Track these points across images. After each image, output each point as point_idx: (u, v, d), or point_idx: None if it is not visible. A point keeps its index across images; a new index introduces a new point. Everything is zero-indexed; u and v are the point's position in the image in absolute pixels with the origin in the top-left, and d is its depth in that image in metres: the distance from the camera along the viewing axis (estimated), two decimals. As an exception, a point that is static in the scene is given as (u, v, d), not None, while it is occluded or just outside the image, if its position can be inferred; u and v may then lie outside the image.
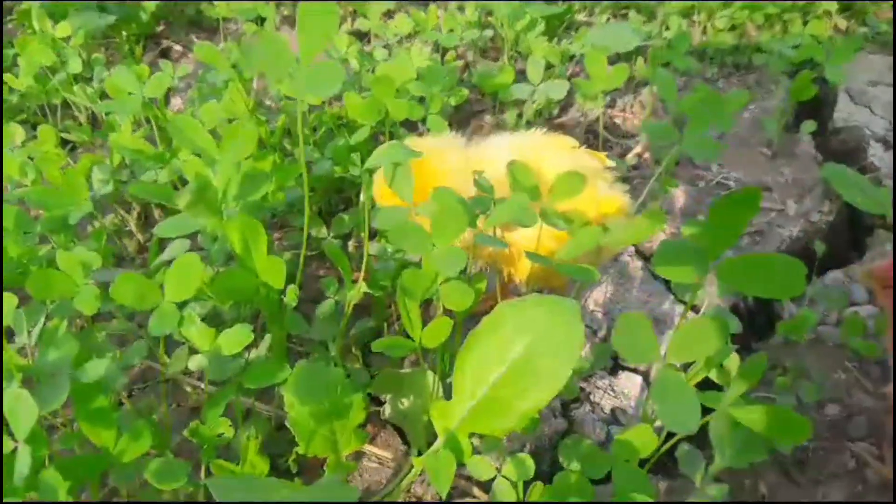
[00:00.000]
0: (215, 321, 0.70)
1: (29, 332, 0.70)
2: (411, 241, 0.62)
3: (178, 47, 1.60)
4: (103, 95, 1.24)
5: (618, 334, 0.57)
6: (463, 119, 1.31)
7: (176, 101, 1.46)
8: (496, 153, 0.80)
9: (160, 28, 1.62)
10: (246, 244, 0.65)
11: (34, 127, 1.31)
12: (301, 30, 0.63)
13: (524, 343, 0.58)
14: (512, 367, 0.58)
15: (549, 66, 1.27)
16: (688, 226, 0.62)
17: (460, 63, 1.27)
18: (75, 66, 1.22)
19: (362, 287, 0.76)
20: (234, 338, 0.61)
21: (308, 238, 0.78)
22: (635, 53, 1.34)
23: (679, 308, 1.03)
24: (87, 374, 0.61)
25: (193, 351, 0.67)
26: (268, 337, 0.70)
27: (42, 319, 0.69)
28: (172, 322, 0.60)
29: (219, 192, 0.66)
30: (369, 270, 0.78)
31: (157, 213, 1.16)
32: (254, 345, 0.68)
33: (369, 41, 1.53)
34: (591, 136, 1.32)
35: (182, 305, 0.61)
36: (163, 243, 0.88)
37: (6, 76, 1.17)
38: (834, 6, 1.32)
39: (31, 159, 1.00)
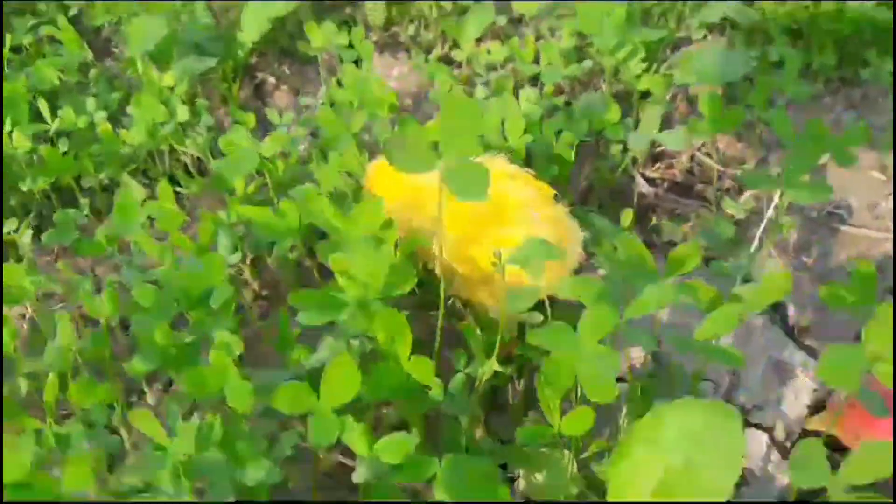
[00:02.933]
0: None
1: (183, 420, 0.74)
2: (561, 343, 0.62)
3: (271, 79, 1.62)
4: (213, 147, 1.28)
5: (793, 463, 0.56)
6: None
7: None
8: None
9: (253, 60, 1.64)
10: (392, 340, 0.67)
11: (144, 173, 1.36)
12: (443, 128, 0.62)
13: (682, 452, 0.58)
14: (669, 477, 0.58)
15: (645, 95, 1.24)
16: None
17: (561, 99, 1.25)
18: (182, 115, 1.25)
19: (493, 365, 0.77)
20: (395, 446, 0.62)
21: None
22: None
23: (800, 355, 1.00)
24: (248, 477, 0.64)
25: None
26: (414, 432, 0.71)
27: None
28: (334, 431, 0.61)
29: (360, 289, 0.68)
30: (503, 346, 0.78)
31: (268, 258, 1.19)
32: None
33: (460, 66, 1.52)
34: (696, 165, 1.29)
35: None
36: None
37: (122, 132, 1.21)
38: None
39: (151, 220, 1.04)
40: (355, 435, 0.62)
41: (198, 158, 1.33)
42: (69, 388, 0.77)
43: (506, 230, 0.79)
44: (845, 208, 1.22)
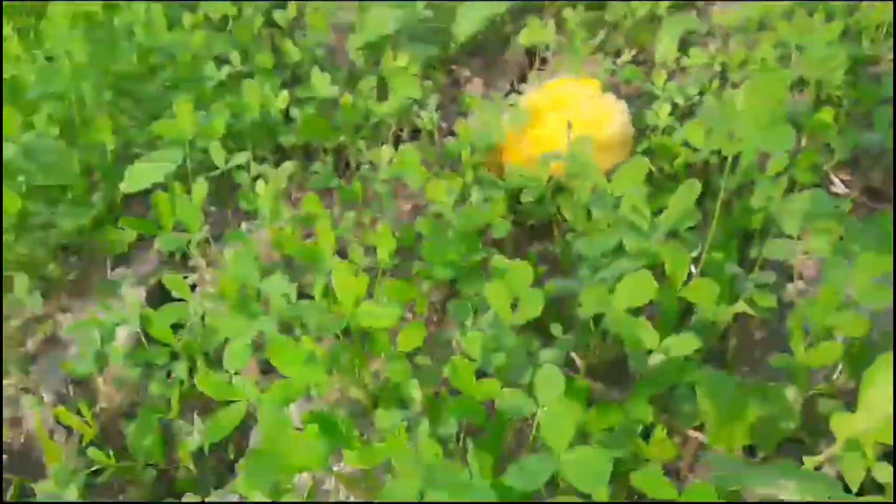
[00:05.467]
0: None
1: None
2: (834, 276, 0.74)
3: (465, 72, 1.78)
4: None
5: None
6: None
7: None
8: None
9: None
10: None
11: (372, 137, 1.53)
12: (749, 103, 0.75)
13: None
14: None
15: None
16: None
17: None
18: (416, 92, 1.42)
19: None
20: (683, 342, 0.75)
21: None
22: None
23: None
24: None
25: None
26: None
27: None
28: (631, 326, 0.74)
29: None
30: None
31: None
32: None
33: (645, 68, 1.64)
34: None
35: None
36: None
37: (368, 102, 1.40)
38: None
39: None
40: (644, 332, 0.75)
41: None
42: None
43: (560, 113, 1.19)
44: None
